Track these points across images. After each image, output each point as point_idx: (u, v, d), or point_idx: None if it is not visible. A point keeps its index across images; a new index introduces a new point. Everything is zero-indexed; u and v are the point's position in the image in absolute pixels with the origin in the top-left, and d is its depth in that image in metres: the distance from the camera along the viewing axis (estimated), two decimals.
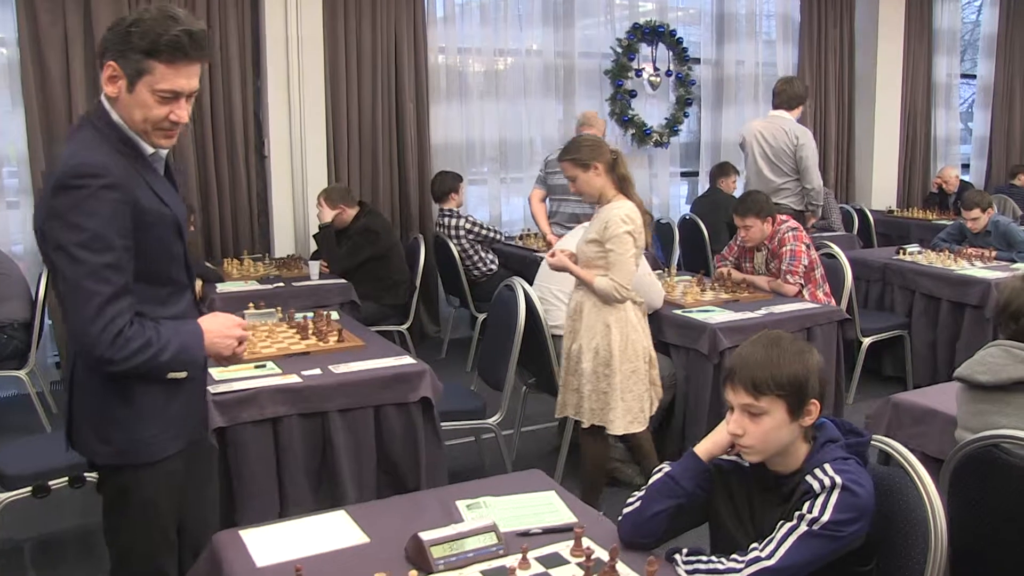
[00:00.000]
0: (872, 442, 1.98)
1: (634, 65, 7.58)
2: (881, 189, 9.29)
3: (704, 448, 1.98)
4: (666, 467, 1.99)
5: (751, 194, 4.80)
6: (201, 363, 2.24)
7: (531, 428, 4.77)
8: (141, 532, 2.15)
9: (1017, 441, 2.04)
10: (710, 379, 3.96)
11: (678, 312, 4.22)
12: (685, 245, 7.08)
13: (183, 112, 2.02)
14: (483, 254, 6.20)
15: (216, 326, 2.16)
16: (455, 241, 6.12)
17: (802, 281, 4.65)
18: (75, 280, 1.91)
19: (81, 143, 1.99)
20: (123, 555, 2.19)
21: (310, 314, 4.03)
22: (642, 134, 7.62)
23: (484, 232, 6.21)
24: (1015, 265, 5.62)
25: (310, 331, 3.76)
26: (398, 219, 6.83)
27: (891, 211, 8.95)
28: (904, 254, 5.95)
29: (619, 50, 7.53)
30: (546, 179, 5.85)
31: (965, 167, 10.58)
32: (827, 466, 1.82)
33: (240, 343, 2.21)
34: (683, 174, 8.44)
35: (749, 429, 1.87)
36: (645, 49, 7.71)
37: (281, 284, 5.22)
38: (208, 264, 5.47)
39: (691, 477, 1.94)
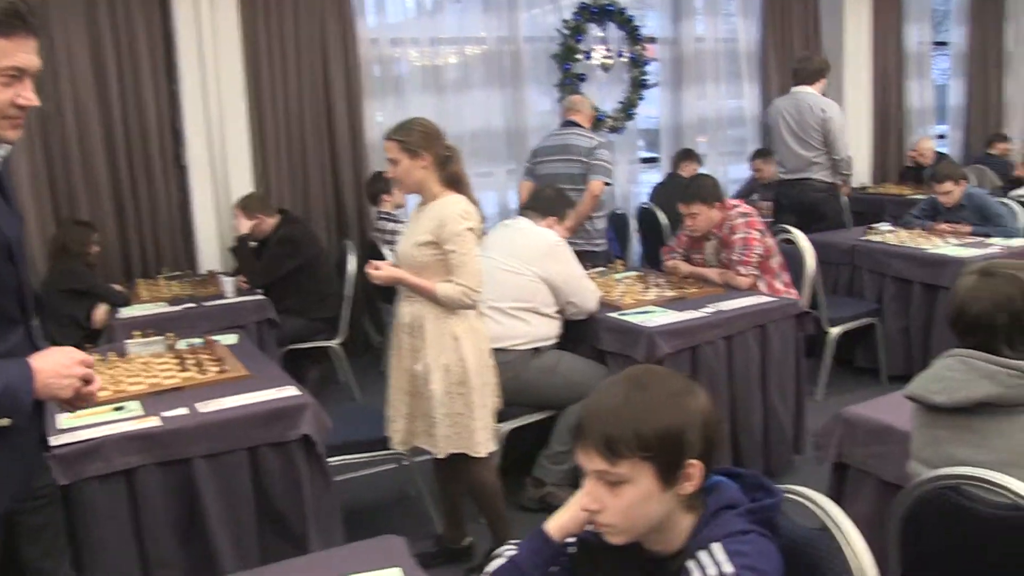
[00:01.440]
0: (793, 496, 1.53)
1: (583, 47, 7.11)
2: (854, 165, 8.83)
3: (557, 524, 1.53)
4: (510, 549, 1.54)
5: (697, 178, 4.37)
6: (27, 409, 1.82)
7: None
8: None
9: (981, 484, 1.59)
10: None
11: (614, 315, 3.76)
12: (645, 237, 6.64)
13: (31, 94, 1.76)
14: None
15: (51, 365, 1.81)
16: (390, 246, 5.64)
17: (756, 272, 4.20)
18: None
19: None
20: None
21: (199, 341, 3.59)
22: (595, 120, 7.14)
23: None
24: (991, 240, 5.20)
25: (189, 362, 3.30)
26: (334, 225, 6.37)
27: (864, 188, 8.51)
28: (873, 234, 5.51)
29: (566, 32, 7.06)
30: (534, 169, 5.39)
31: (942, 138, 10.18)
32: (716, 547, 1.37)
33: (88, 383, 1.87)
34: (644, 160, 7.98)
35: (608, 503, 1.42)
36: (595, 30, 7.24)
37: (192, 305, 4.76)
38: (115, 286, 5.01)
39: (541, 563, 1.50)
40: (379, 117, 6.55)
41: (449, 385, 3.10)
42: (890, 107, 9.19)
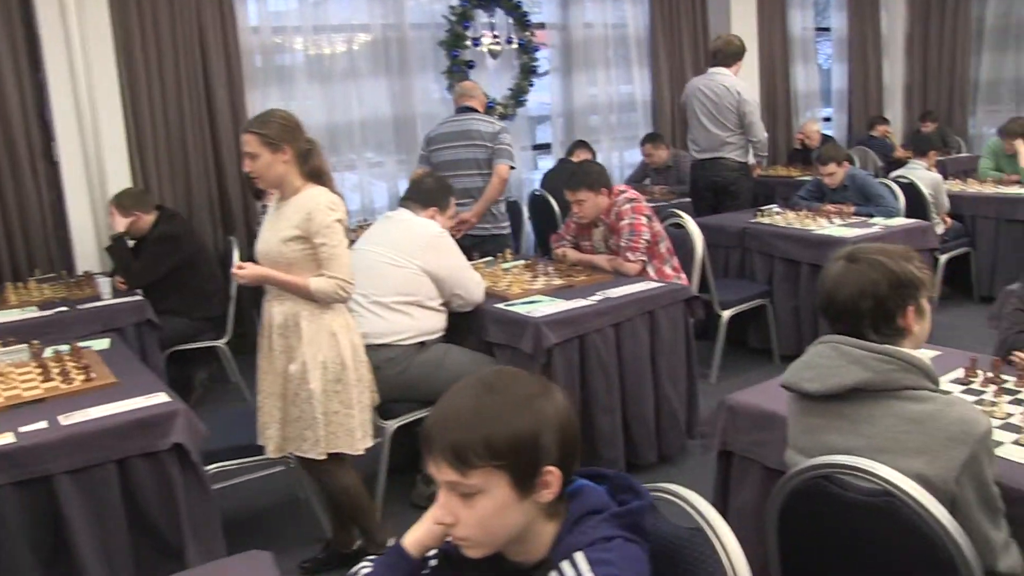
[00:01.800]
0: (663, 493, 1.47)
1: (470, 34, 7.01)
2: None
3: (413, 539, 1.44)
4: (365, 567, 1.45)
5: (582, 165, 4.31)
6: None
7: None
8: None
9: (852, 472, 1.56)
10: None
11: (500, 306, 3.69)
12: (537, 224, 6.59)
13: None
14: None
15: None
16: None
17: (644, 257, 4.18)
18: None
19: None
20: None
21: (66, 347, 3.39)
22: (485, 108, 7.05)
23: None
24: (873, 220, 5.30)
25: (53, 371, 3.11)
26: (219, 220, 6.15)
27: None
28: (762, 216, 5.57)
29: (452, 19, 6.95)
30: (429, 157, 5.24)
31: (828, 121, 10.40)
32: (579, 556, 1.30)
33: None
34: (536, 147, 7.93)
35: (462, 515, 1.33)
36: (484, 17, 7.15)
37: (65, 309, 4.51)
38: None
39: None
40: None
41: (327, 383, 3.00)
42: (777, 91, 9.34)
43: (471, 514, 1.32)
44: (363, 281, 3.54)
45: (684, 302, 3.87)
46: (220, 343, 5.22)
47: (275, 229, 3.00)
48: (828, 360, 1.79)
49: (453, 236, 4.87)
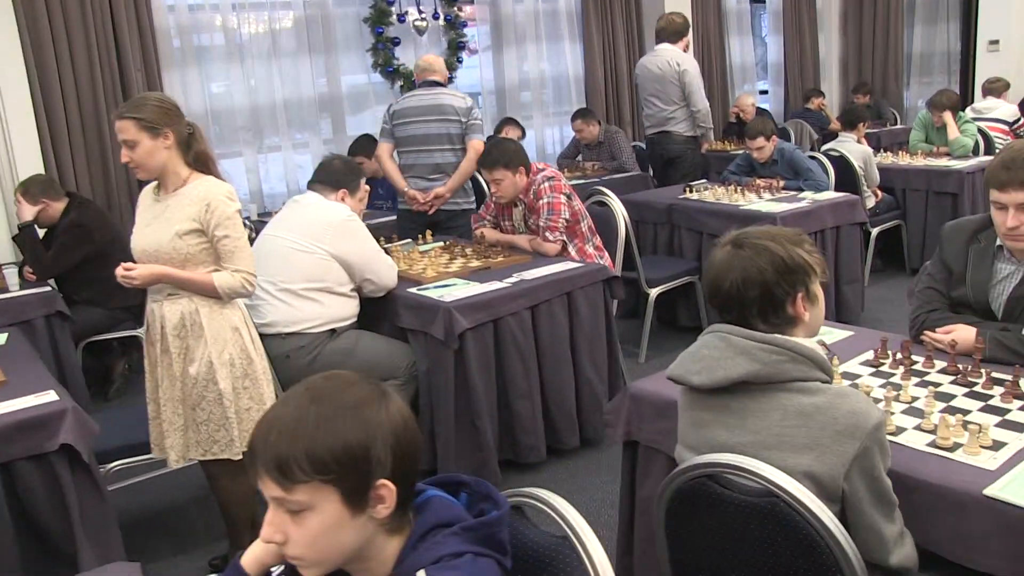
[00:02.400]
0: (527, 498, 1.36)
1: (395, 10, 6.83)
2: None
3: (252, 556, 1.33)
4: None
5: (498, 143, 4.17)
6: None
7: None
8: None
9: (736, 471, 1.47)
10: (452, 370, 3.33)
11: (413, 291, 3.56)
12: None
13: None
14: None
15: None
16: None
17: (564, 237, 4.08)
18: None
19: None
20: None
21: None
22: (411, 84, 6.87)
23: None
24: (803, 194, 5.25)
25: None
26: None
27: None
28: (691, 192, 5.49)
29: None
30: (393, 131, 5.03)
31: (765, 94, 10.39)
32: (420, 575, 1.19)
33: None
34: None
35: (291, 533, 1.21)
36: None
37: None
38: None
39: None
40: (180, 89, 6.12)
41: (235, 380, 2.87)
42: (713, 65, 9.27)
43: (301, 532, 1.20)
44: (270, 268, 3.42)
45: (604, 282, 3.77)
46: (139, 332, 5.02)
47: (164, 223, 2.81)
48: (715, 351, 1.69)
49: (426, 211, 4.90)
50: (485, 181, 4.63)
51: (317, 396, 1.22)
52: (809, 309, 1.71)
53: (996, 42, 9.15)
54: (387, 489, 1.21)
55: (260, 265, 3.47)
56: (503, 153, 4.04)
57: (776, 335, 1.65)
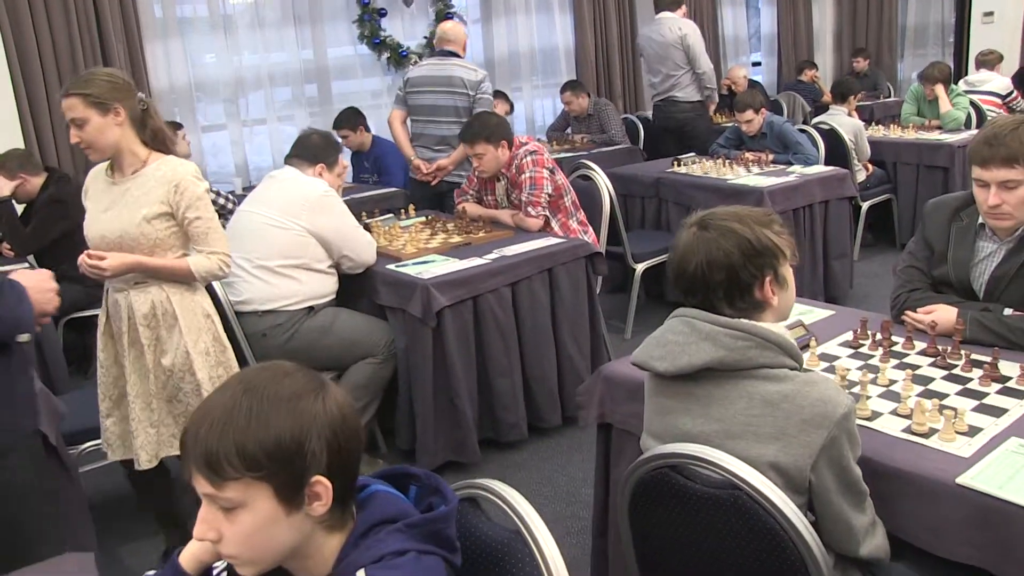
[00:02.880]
0: (479, 490, 1.32)
1: None
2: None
3: (190, 553, 1.29)
4: None
5: (479, 116, 4.10)
6: (29, 322, 1.94)
7: None
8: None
9: (698, 462, 1.42)
10: (430, 348, 3.29)
11: (392, 267, 3.50)
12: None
13: None
14: None
15: (34, 281, 1.96)
16: None
17: (546, 212, 4.02)
18: None
19: None
20: None
21: None
22: (398, 56, 6.81)
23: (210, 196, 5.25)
24: (791, 168, 5.19)
25: None
26: None
27: None
28: (679, 165, 5.43)
29: None
30: (406, 99, 5.06)
31: (758, 65, 10.29)
32: (361, 574, 1.14)
33: (58, 296, 2.04)
34: None
35: (224, 531, 1.16)
36: None
37: None
38: None
39: None
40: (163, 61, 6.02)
41: (211, 369, 2.77)
42: (706, 36, 9.09)
43: (234, 530, 1.16)
44: (246, 245, 3.37)
45: (586, 258, 3.72)
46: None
47: (127, 207, 2.66)
48: (679, 337, 1.63)
49: (430, 182, 4.93)
50: None
51: (251, 387, 1.16)
52: (778, 293, 1.65)
53: (991, 14, 9.06)
54: (323, 486, 1.16)
55: (236, 242, 3.42)
56: (484, 127, 3.97)
57: (742, 320, 1.60)
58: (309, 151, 3.57)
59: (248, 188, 5.85)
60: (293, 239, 3.36)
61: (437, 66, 5.00)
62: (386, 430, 3.70)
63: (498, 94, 6.90)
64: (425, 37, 7.04)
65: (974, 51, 8.41)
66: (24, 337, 1.96)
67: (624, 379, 2.25)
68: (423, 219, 4.23)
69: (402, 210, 4.52)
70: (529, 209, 3.97)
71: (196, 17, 6.23)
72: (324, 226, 3.38)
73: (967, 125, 6.65)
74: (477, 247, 3.70)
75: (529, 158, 4.01)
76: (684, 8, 6.56)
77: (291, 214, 3.37)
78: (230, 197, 5.29)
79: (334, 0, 6.68)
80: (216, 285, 3.21)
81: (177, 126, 5.40)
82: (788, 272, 1.68)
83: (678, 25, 6.38)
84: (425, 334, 3.27)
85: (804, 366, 1.66)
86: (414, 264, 3.49)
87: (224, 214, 5.27)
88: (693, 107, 6.52)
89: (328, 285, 3.47)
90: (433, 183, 4.90)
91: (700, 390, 1.61)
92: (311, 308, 3.40)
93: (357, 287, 3.57)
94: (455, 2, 7.21)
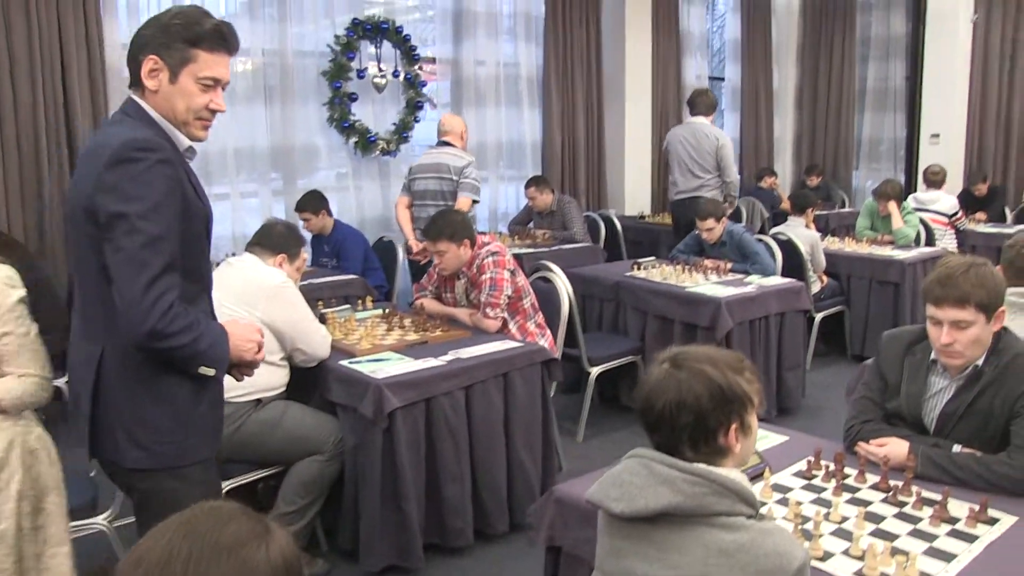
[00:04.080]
0: None
1: (355, 65, 6.79)
2: (634, 194, 8.96)
3: None
4: None
5: (444, 215, 4.10)
6: (227, 363, 2.18)
7: None
8: None
9: None
10: (379, 449, 3.22)
11: (345, 363, 3.45)
12: (415, 266, 6.36)
13: (221, 101, 2.15)
14: None
15: (239, 330, 2.22)
16: None
17: (505, 314, 4.01)
18: (131, 249, 1.93)
19: (127, 127, 2.03)
20: None
21: None
22: (366, 142, 6.85)
23: None
24: (749, 279, 5.26)
25: None
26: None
27: (643, 217, 8.62)
28: (639, 268, 5.48)
29: (337, 48, 6.72)
30: (410, 186, 5.70)
31: None
32: None
33: (259, 349, 2.28)
34: None
35: None
36: (370, 48, 6.94)
37: None
38: None
39: None
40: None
41: (22, 519, 2.37)
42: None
43: None
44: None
45: (543, 364, 3.70)
46: (60, 383, 4.84)
47: None
48: (637, 478, 1.60)
49: (418, 261, 5.28)
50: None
51: (191, 532, 1.10)
52: (741, 440, 1.64)
53: (937, 136, 9.43)
54: None
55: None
56: (448, 225, 3.98)
57: (700, 465, 1.58)
58: (272, 241, 3.55)
59: None
60: None
61: (432, 154, 5.63)
62: (327, 528, 3.61)
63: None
64: (394, 124, 7.09)
65: (922, 168, 8.69)
66: (208, 371, 2.11)
67: (576, 502, 2.21)
68: (380, 312, 4.19)
69: (359, 300, 4.49)
70: (488, 310, 3.96)
71: None
72: (279, 317, 3.33)
73: (917, 242, 6.82)
74: (433, 347, 3.67)
75: (491, 259, 4.01)
76: (714, 115, 6.95)
77: (247, 303, 3.32)
78: None
79: (306, 81, 6.73)
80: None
81: None
82: (754, 420, 1.66)
83: (715, 134, 6.70)
84: (375, 435, 3.21)
85: (759, 500, 1.64)
86: (368, 361, 3.44)
87: None
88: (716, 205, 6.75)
89: (279, 378, 3.41)
90: (422, 262, 5.21)
91: (656, 534, 1.58)
92: (259, 401, 3.33)
93: (309, 381, 3.51)
94: (427, 91, 7.29)
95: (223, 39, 2.09)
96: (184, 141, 2.14)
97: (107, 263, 1.97)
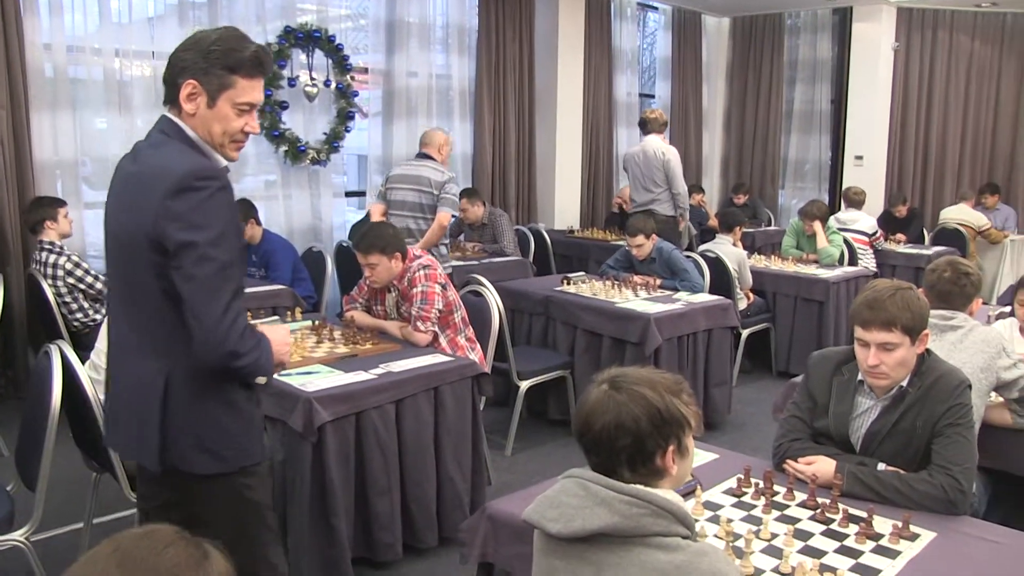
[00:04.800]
0: None
1: (286, 73, 6.70)
2: (564, 209, 9.01)
3: None
4: None
5: (376, 227, 4.06)
6: (273, 370, 2.28)
7: (110, 518, 3.79)
8: (249, 537, 2.24)
9: None
10: (308, 462, 3.17)
11: (273, 376, 3.38)
12: (344, 278, 6.31)
13: (256, 124, 2.21)
14: (82, 303, 5.07)
15: (278, 335, 2.29)
16: (50, 281, 4.99)
17: (435, 328, 3.99)
18: (203, 278, 2.00)
19: (177, 152, 2.10)
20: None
21: None
22: (295, 151, 6.76)
23: (87, 279, 5.04)
24: (678, 295, 5.32)
25: None
26: None
27: (572, 231, 8.66)
28: (568, 283, 5.50)
29: None
30: (386, 194, 5.72)
31: None
32: None
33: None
34: (349, 194, 7.66)
35: None
36: (301, 56, 6.86)
37: None
38: None
39: None
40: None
41: None
42: (600, 153, 9.45)
43: None
44: None
45: (473, 378, 3.68)
46: None
47: None
48: (574, 499, 1.60)
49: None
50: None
51: (126, 558, 1.06)
52: (678, 462, 1.64)
53: (861, 158, 9.71)
54: None
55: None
56: (379, 237, 3.94)
57: (638, 487, 1.57)
58: None
59: None
60: None
61: (412, 166, 5.66)
62: None
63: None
64: (324, 133, 7.01)
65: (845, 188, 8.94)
66: (261, 380, 2.22)
67: (509, 519, 2.20)
68: (310, 323, 4.13)
69: (288, 311, 4.42)
70: (419, 324, 3.93)
71: (91, 90, 6.04)
72: None
73: (840, 261, 6.98)
74: (363, 360, 3.62)
75: (422, 272, 3.99)
76: (665, 132, 7.36)
77: None
78: (100, 277, 5.09)
79: None
80: (86, 383, 3.06)
81: (60, 203, 5.20)
82: (690, 442, 1.67)
83: (662, 150, 7.03)
84: (304, 449, 3.16)
85: (693, 522, 1.64)
86: (298, 374, 3.38)
87: (99, 298, 5.07)
88: (667, 220, 7.00)
89: None
90: None
91: (592, 555, 1.58)
92: None
93: None
94: (359, 100, 7.23)
95: (260, 66, 2.16)
96: (220, 160, 2.18)
97: (178, 290, 2.03)
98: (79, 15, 5.99)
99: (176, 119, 2.15)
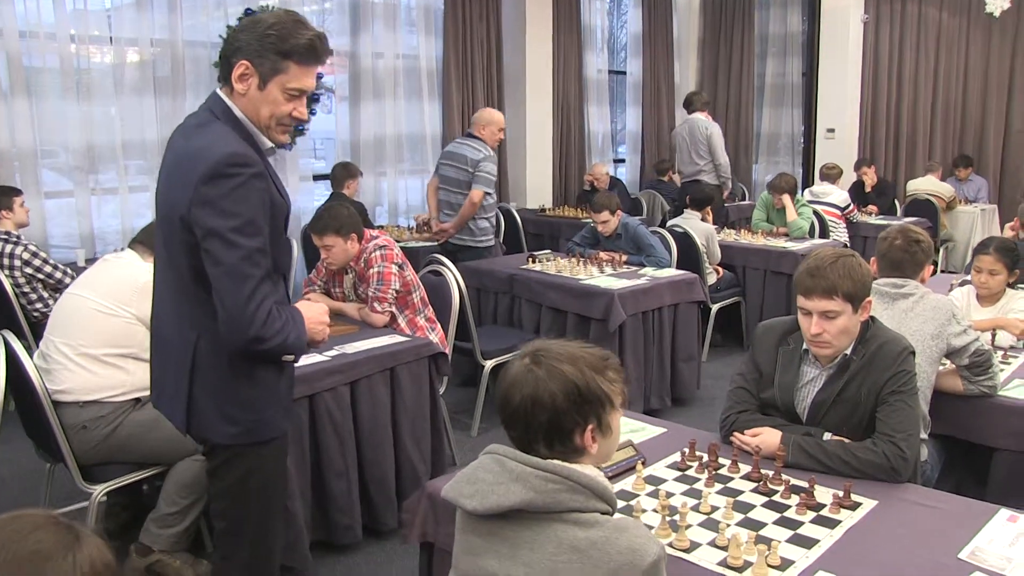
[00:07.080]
0: None
1: None
2: (536, 187, 8.98)
3: None
4: None
5: (330, 209, 4.03)
6: (305, 348, 2.29)
7: (67, 509, 3.76)
8: (260, 507, 2.31)
9: None
10: None
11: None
12: (309, 260, 6.27)
13: (304, 109, 2.21)
14: (42, 292, 5.02)
15: (312, 313, 2.31)
16: (7, 272, 4.93)
17: (393, 308, 3.97)
18: (230, 264, 2.03)
19: (218, 135, 2.10)
20: (236, 528, 2.32)
21: None
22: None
23: (46, 269, 4.99)
24: (643, 271, 5.30)
25: None
26: None
27: (543, 210, 8.64)
28: (534, 262, 5.48)
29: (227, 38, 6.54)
30: (439, 168, 5.96)
31: (622, 162, 10.60)
32: None
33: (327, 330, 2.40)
34: (317, 177, 7.61)
35: None
36: None
37: None
38: None
39: None
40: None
41: None
42: (572, 131, 9.41)
43: None
44: (70, 330, 3.20)
45: (430, 358, 3.67)
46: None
47: None
48: (490, 475, 1.57)
49: (436, 242, 5.81)
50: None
51: None
52: (599, 440, 1.61)
53: (832, 130, 9.69)
54: None
55: (59, 326, 3.25)
56: (334, 219, 3.91)
57: (555, 462, 1.55)
58: (153, 239, 3.42)
59: (91, 260, 5.60)
60: (121, 326, 3.20)
61: (457, 144, 5.89)
62: (212, 527, 3.52)
63: (349, 169, 6.84)
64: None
65: (819, 163, 8.95)
66: (289, 357, 2.26)
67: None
68: None
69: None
70: (375, 304, 3.90)
71: (46, 77, 5.96)
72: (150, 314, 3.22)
73: (811, 234, 6.98)
74: None
75: (378, 252, 3.96)
76: (708, 110, 8.13)
77: (120, 300, 3.21)
78: (68, 271, 5.05)
79: (197, 73, 6.56)
80: (32, 373, 3.03)
81: (15, 192, 5.14)
82: (614, 420, 1.64)
83: (706, 125, 7.84)
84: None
85: (633, 492, 1.62)
86: None
87: (60, 288, 5.02)
88: (714, 188, 7.65)
89: None
90: (439, 242, 5.88)
91: (509, 531, 1.56)
92: (138, 400, 3.23)
93: None
94: (325, 83, 7.16)
95: (315, 53, 2.16)
96: (265, 142, 2.20)
97: (207, 272, 2.07)
98: (31, 0, 5.90)
99: (226, 98, 2.17)
